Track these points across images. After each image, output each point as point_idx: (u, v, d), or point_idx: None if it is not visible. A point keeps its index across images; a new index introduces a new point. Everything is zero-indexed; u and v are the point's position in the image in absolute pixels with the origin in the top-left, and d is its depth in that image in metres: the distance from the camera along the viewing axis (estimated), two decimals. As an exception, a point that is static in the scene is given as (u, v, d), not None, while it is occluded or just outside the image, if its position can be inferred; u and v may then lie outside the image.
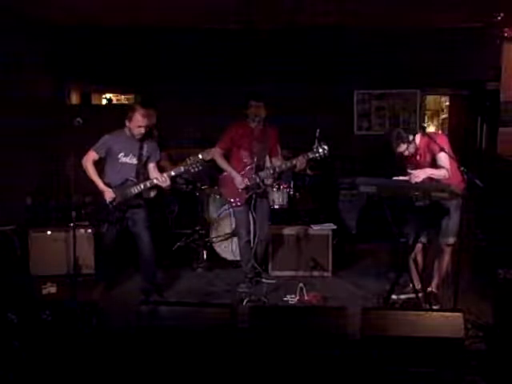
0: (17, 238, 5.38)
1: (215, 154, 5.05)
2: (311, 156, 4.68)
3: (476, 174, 3.93)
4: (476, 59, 6.98)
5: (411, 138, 4.36)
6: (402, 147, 4.37)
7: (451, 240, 4.48)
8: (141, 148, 4.70)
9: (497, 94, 6.67)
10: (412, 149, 4.40)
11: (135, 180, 4.67)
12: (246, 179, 4.90)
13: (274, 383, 3.25)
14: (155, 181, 4.64)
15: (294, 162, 4.76)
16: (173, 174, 4.66)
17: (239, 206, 4.96)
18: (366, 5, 5.56)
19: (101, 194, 4.65)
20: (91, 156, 4.68)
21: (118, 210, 4.67)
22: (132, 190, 4.65)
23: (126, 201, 4.66)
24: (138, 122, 4.60)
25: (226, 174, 5.10)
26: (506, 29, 6.13)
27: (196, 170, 4.63)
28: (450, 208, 4.37)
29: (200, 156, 4.77)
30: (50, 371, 3.35)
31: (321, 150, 4.63)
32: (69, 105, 7.54)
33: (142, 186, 4.65)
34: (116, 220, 4.70)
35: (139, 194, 4.69)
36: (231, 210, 5.57)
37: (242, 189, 4.91)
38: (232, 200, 4.98)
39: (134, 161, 4.69)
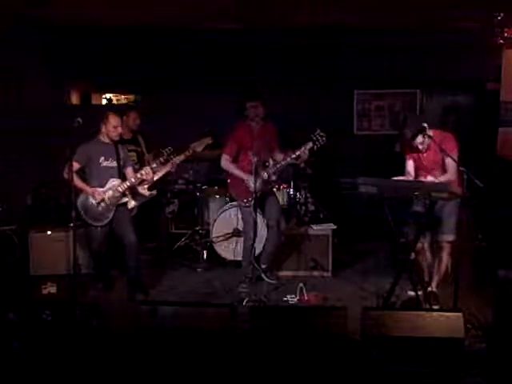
0: (17, 238, 5.37)
1: (224, 162, 5.08)
2: (312, 145, 4.74)
3: (475, 174, 3.93)
4: (476, 59, 6.98)
5: (430, 132, 4.37)
6: (419, 139, 4.38)
7: (450, 237, 4.49)
8: (117, 151, 4.83)
9: (497, 94, 6.67)
10: (426, 144, 4.41)
11: (119, 180, 4.79)
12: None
13: (274, 383, 3.25)
14: (139, 175, 4.77)
15: (298, 152, 4.80)
16: (154, 165, 4.88)
17: (251, 205, 4.93)
18: (366, 4, 5.56)
19: (88, 200, 4.74)
20: (73, 167, 4.66)
21: (107, 210, 4.75)
22: (119, 189, 4.75)
23: (115, 200, 4.75)
24: (114, 123, 4.73)
25: (234, 175, 5.10)
26: (506, 29, 6.12)
27: (176, 160, 4.99)
28: (448, 205, 4.37)
29: (193, 148, 5.05)
30: (50, 371, 3.35)
31: (319, 138, 4.73)
32: (69, 105, 7.54)
33: (128, 183, 4.78)
34: (106, 222, 4.77)
35: (123, 193, 4.80)
36: (235, 210, 5.60)
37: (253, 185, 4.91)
38: (245, 200, 4.99)
39: (114, 163, 4.80)
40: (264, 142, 4.97)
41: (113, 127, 4.72)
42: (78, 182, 4.67)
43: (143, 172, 4.77)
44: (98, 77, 7.53)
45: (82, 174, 4.78)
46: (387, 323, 3.32)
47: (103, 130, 4.76)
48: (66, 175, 4.61)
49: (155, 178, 5.16)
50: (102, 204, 4.72)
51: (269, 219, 5.21)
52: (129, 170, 4.89)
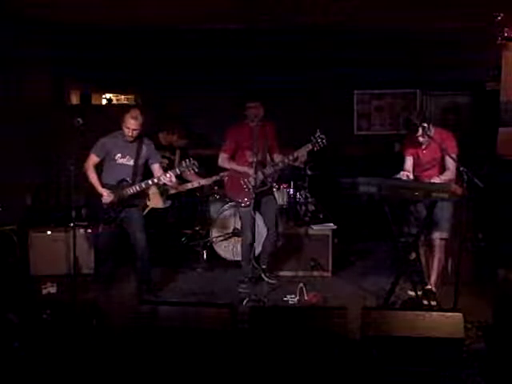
0: (17, 238, 5.37)
1: (222, 159, 5.08)
2: (311, 146, 4.74)
3: (475, 174, 3.94)
4: (476, 59, 6.97)
5: (431, 130, 4.41)
6: (419, 131, 4.40)
7: (443, 234, 4.51)
8: (139, 150, 4.74)
9: (497, 94, 6.67)
10: (426, 139, 4.43)
11: (131, 181, 4.73)
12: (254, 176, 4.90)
13: (274, 383, 3.25)
14: (162, 178, 4.64)
15: (296, 154, 4.81)
16: (177, 170, 4.71)
17: (247, 205, 4.93)
18: (366, 5, 5.56)
19: (96, 195, 4.70)
20: (92, 160, 4.75)
21: (113, 210, 4.72)
22: (128, 191, 4.70)
23: (121, 201, 4.71)
24: (128, 124, 4.64)
25: (230, 175, 5.10)
26: (506, 29, 6.12)
27: (193, 171, 4.76)
28: (444, 204, 4.38)
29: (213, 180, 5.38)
30: (50, 371, 3.35)
31: (319, 140, 4.72)
32: (69, 105, 7.54)
33: (138, 188, 4.71)
34: (110, 220, 4.75)
35: (135, 195, 4.74)
36: (235, 210, 5.59)
37: (251, 186, 4.90)
38: (240, 200, 4.99)
39: (131, 162, 4.74)
40: (263, 143, 4.97)
41: (126, 128, 4.65)
42: (92, 178, 4.71)
43: (164, 177, 4.65)
44: (98, 77, 7.53)
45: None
46: (387, 323, 3.32)
47: (122, 126, 4.71)
48: (85, 167, 4.68)
49: (180, 189, 5.31)
50: (113, 201, 4.70)
51: (266, 220, 5.20)
52: (155, 167, 4.80)
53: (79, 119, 4.26)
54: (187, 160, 4.64)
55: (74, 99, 7.79)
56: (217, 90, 7.37)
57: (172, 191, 5.52)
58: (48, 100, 6.78)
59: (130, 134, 4.65)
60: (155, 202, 5.20)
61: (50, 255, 5.36)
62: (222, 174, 5.45)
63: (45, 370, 3.34)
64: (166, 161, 5.63)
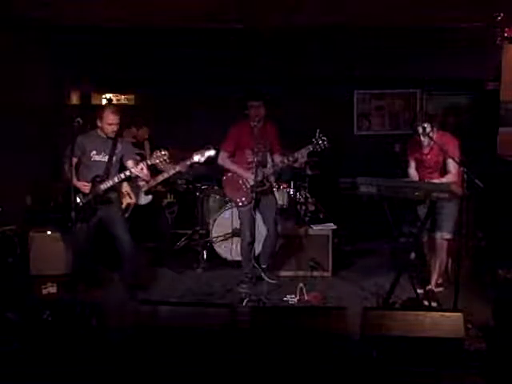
0: (17, 238, 5.37)
1: (222, 158, 5.05)
2: (311, 148, 4.73)
3: (476, 174, 3.94)
4: (476, 59, 6.97)
5: (431, 130, 4.42)
6: (420, 130, 4.43)
7: (447, 235, 4.51)
8: (114, 146, 4.72)
9: (497, 93, 6.67)
10: (427, 140, 4.43)
11: (104, 176, 4.67)
12: (253, 176, 4.90)
13: (274, 383, 3.25)
14: (132, 171, 4.61)
15: (296, 155, 4.80)
16: (149, 162, 4.70)
17: (245, 205, 4.95)
18: (366, 4, 5.56)
19: (69, 194, 4.51)
20: (72, 161, 4.68)
21: (88, 207, 4.65)
22: (102, 186, 4.65)
23: (96, 197, 4.65)
24: (109, 120, 4.62)
25: (229, 174, 5.10)
26: (506, 29, 6.12)
27: (164, 163, 4.70)
28: (447, 204, 4.38)
29: (196, 158, 4.82)
30: (50, 371, 3.35)
31: (320, 142, 4.71)
32: (69, 105, 7.54)
33: (111, 182, 4.66)
34: (86, 218, 4.66)
35: (109, 189, 4.68)
36: (234, 210, 5.58)
37: (249, 186, 4.90)
38: (238, 200, 4.99)
39: (106, 158, 4.70)
40: (263, 143, 4.97)
41: (107, 124, 4.62)
42: (69, 174, 4.61)
43: (135, 169, 4.64)
44: (98, 77, 7.52)
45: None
46: (387, 323, 3.32)
47: (100, 125, 4.68)
48: (68, 174, 4.58)
49: (152, 183, 5.16)
50: (84, 200, 4.63)
51: (265, 219, 5.20)
52: (129, 164, 4.75)
53: (79, 119, 4.26)
54: (157, 151, 4.62)
55: (74, 99, 7.79)
56: (217, 90, 7.36)
57: (145, 188, 5.31)
58: (48, 100, 6.78)
59: (111, 129, 4.63)
60: (130, 199, 5.10)
61: (50, 255, 5.35)
62: (195, 155, 5.21)
63: (45, 370, 3.34)
64: (138, 157, 5.48)
